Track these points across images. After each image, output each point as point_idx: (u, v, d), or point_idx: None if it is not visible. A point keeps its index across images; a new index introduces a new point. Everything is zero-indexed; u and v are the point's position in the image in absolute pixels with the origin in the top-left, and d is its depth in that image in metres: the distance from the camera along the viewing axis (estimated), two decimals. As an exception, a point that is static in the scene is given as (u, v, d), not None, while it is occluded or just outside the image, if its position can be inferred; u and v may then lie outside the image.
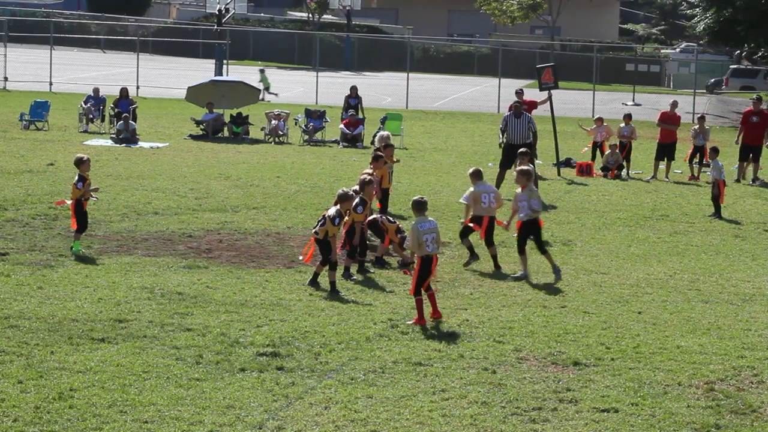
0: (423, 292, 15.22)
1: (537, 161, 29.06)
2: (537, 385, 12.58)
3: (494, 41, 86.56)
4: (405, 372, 12.91)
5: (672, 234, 23.04)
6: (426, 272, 15.27)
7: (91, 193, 19.15)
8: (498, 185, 25.33)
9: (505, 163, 27.42)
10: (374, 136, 38.94)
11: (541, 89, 33.36)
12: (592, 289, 17.58)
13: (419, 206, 15.64)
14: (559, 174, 31.87)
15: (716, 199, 25.52)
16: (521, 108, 27.59)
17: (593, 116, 40.57)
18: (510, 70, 68.42)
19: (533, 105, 32.05)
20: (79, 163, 19.03)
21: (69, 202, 19.36)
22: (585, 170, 32.24)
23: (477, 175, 19.30)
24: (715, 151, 26.63)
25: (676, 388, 12.65)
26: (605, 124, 34.37)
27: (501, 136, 27.66)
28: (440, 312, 15.32)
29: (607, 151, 32.79)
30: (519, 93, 32.19)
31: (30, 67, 58.15)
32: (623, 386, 12.63)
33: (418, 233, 15.29)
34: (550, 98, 32.85)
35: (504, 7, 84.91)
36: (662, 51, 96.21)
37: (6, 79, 55.09)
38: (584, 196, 27.94)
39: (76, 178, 18.89)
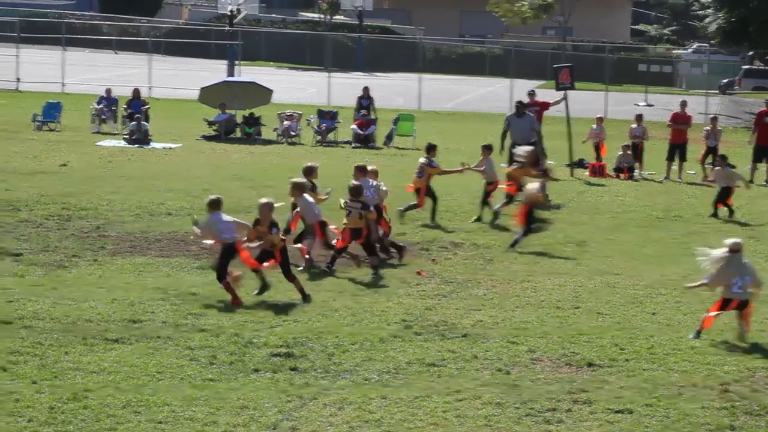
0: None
1: (549, 161, 28.98)
2: (551, 386, 12.56)
3: (506, 42, 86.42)
4: (419, 373, 12.90)
5: (686, 235, 22.99)
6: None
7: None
8: None
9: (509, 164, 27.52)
10: (387, 137, 39.09)
11: (558, 89, 33.30)
12: (605, 290, 17.55)
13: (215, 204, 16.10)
14: (572, 175, 31.82)
15: (725, 202, 25.55)
16: (522, 108, 27.63)
17: (606, 117, 40.42)
18: (522, 70, 68.27)
19: (546, 106, 31.97)
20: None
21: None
22: (598, 171, 32.19)
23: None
24: (723, 158, 26.49)
25: (690, 390, 12.62)
26: (603, 124, 34.21)
27: (501, 142, 27.75)
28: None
29: (619, 152, 32.74)
30: (531, 94, 32.16)
31: (42, 68, 58.21)
32: (637, 387, 12.60)
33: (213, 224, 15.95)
34: (565, 99, 32.78)
35: (515, 9, 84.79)
36: (674, 51, 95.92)
37: (18, 80, 55.18)
38: (597, 197, 27.90)
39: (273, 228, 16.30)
